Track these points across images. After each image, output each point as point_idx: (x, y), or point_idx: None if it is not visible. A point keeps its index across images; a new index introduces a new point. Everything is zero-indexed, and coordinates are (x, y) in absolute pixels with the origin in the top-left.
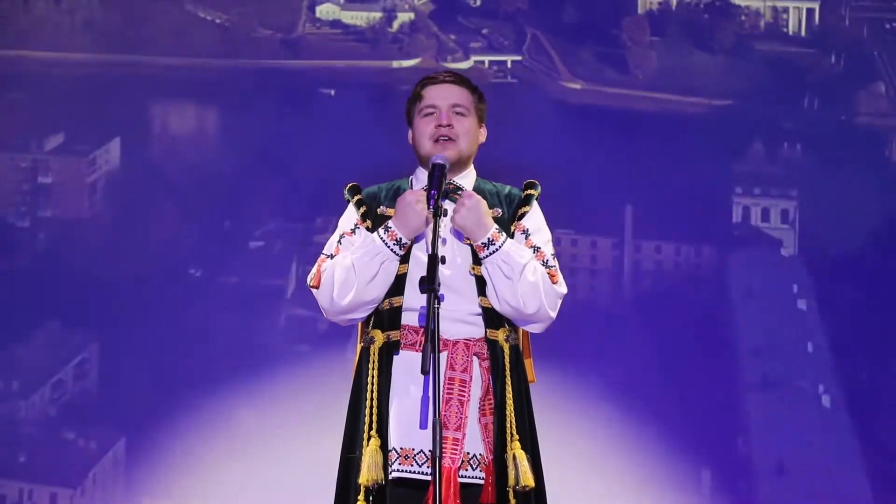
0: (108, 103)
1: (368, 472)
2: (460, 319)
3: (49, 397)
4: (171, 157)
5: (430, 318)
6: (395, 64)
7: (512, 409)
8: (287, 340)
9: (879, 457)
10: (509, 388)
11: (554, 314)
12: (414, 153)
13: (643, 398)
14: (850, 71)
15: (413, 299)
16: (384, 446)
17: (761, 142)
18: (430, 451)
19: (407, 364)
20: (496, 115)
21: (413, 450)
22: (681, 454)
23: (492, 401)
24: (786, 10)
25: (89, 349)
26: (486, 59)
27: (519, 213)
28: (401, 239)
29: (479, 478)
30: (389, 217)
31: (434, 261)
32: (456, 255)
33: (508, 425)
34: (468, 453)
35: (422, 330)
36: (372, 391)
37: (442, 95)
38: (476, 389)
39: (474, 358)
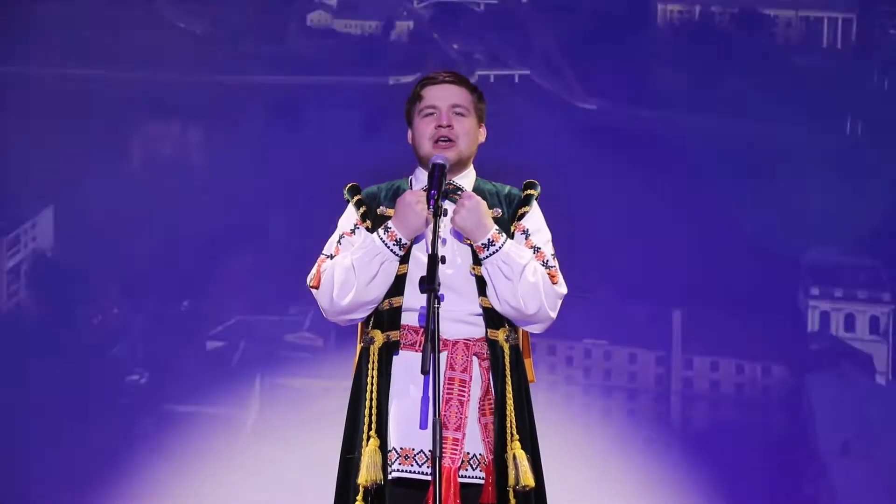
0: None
1: (367, 472)
2: (460, 319)
3: None
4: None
5: (430, 318)
6: (392, 80)
7: (512, 408)
8: (287, 340)
9: None
10: (509, 388)
11: (554, 314)
12: (413, 153)
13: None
14: None
15: (413, 299)
16: (384, 446)
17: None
18: (430, 451)
19: (407, 364)
20: (496, 115)
21: (413, 450)
22: (681, 454)
23: (492, 401)
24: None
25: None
26: (492, 73)
27: (519, 214)
28: (400, 239)
29: (479, 478)
30: (389, 217)
31: (434, 261)
32: (456, 255)
33: (508, 425)
34: (468, 453)
35: (422, 330)
36: (372, 391)
37: (442, 96)
38: (476, 389)
39: (474, 358)
